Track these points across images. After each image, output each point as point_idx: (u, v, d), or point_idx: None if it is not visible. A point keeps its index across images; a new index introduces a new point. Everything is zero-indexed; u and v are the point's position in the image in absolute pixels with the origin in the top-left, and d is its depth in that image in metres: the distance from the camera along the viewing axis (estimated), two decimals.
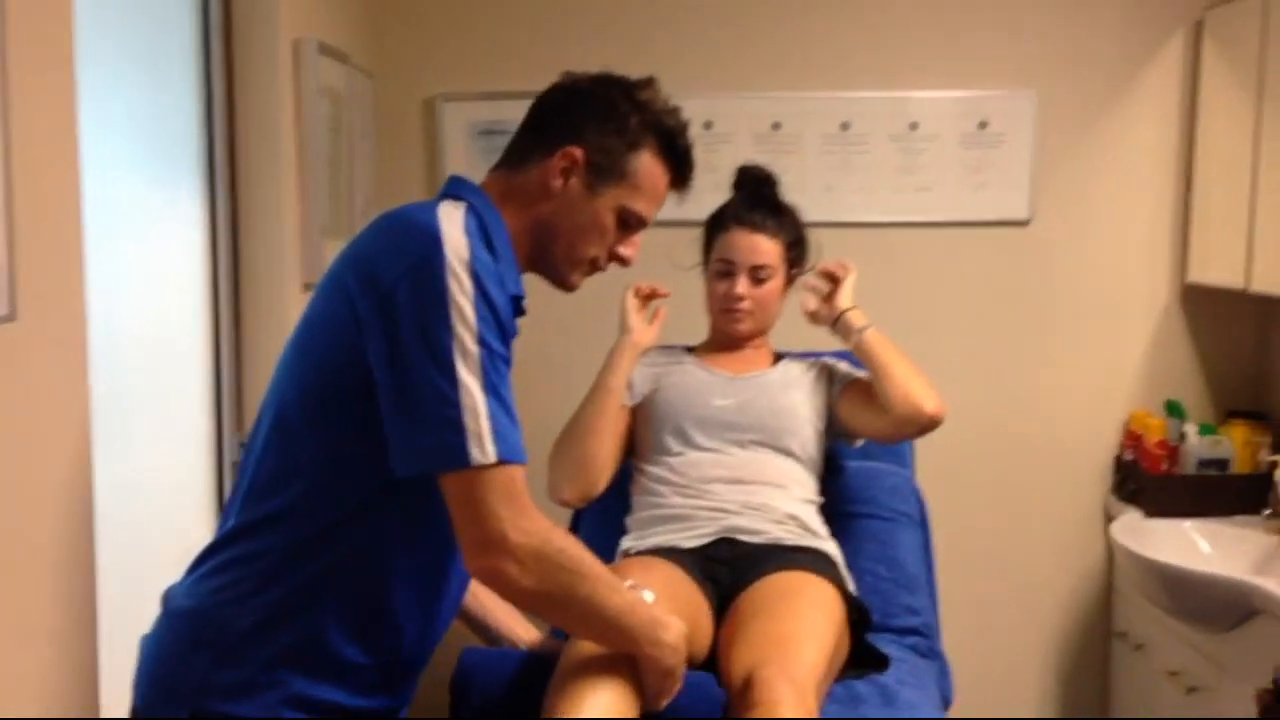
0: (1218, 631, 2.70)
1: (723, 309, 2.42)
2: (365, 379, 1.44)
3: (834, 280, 2.42)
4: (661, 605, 1.77)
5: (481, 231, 1.50)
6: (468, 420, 1.41)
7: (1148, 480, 3.13)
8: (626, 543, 2.27)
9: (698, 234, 2.50)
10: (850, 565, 2.28)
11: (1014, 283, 3.33)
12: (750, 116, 3.24)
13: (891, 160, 3.27)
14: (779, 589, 2.06)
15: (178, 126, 2.26)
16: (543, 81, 1.69)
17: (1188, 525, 3.05)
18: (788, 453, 2.32)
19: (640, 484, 2.35)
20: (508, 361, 1.48)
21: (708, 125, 3.20)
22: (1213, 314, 3.32)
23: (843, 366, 2.43)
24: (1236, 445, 3.13)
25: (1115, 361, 3.36)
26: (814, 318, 2.44)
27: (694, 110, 3.11)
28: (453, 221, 1.47)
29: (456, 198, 1.56)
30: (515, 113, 1.69)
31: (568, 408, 2.40)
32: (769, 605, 2.01)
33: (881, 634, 2.21)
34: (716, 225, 2.45)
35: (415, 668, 1.60)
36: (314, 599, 1.48)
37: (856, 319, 2.35)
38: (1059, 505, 3.39)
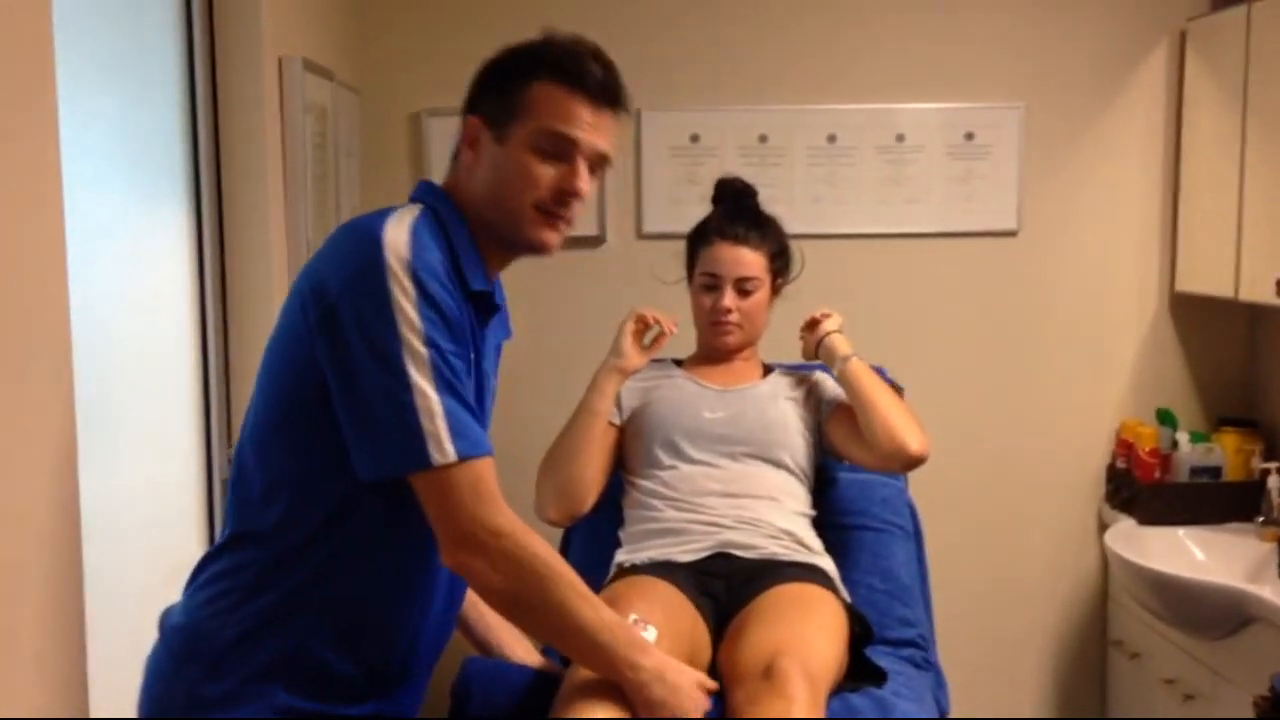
0: (1213, 639, 2.70)
1: (710, 322, 2.41)
2: (324, 388, 1.45)
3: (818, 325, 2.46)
4: (664, 645, 1.76)
5: (436, 230, 1.50)
6: (424, 422, 1.42)
7: (1141, 488, 3.13)
8: (620, 556, 2.26)
9: (680, 248, 2.50)
10: (844, 578, 2.27)
11: (1003, 293, 3.33)
12: (737, 129, 3.23)
13: (879, 172, 3.27)
14: (787, 598, 2.05)
15: (163, 143, 2.25)
16: None
17: (1181, 533, 3.06)
18: (779, 465, 2.32)
19: (632, 497, 2.33)
20: (460, 357, 1.47)
21: (694, 138, 3.19)
22: (1202, 322, 3.33)
23: (830, 387, 2.42)
24: (1228, 453, 3.13)
25: (1106, 370, 3.36)
26: (804, 351, 2.48)
27: (680, 124, 3.19)
28: (400, 225, 1.47)
29: (417, 202, 1.57)
30: None
31: (559, 422, 2.38)
32: (778, 609, 2.00)
33: (876, 646, 2.19)
34: (699, 239, 2.44)
35: (411, 674, 1.59)
36: (298, 608, 1.49)
37: (840, 345, 2.37)
38: (1052, 514, 3.39)
